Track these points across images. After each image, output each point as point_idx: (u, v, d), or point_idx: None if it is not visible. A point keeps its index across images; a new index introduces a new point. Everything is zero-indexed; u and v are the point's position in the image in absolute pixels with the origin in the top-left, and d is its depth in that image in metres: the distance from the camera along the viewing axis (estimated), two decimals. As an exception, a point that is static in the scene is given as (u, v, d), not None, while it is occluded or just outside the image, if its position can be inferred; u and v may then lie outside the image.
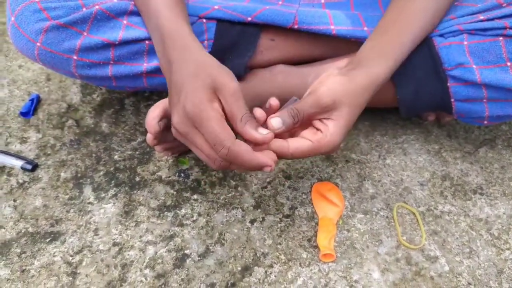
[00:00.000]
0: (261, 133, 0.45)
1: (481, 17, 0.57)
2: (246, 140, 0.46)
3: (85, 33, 0.56)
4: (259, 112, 0.48)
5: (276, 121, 0.47)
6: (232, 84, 0.46)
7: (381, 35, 0.56)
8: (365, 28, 0.62)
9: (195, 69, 0.46)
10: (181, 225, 0.58)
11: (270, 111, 0.49)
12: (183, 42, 0.50)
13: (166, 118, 0.56)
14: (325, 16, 0.63)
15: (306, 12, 0.63)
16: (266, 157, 0.45)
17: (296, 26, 0.62)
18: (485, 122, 0.61)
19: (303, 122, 0.49)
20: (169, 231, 0.57)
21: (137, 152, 0.67)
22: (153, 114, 0.55)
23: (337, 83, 0.49)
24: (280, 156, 0.47)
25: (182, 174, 0.64)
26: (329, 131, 0.48)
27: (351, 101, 0.49)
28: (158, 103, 0.57)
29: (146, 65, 0.59)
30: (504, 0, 0.56)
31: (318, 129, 0.49)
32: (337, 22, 0.63)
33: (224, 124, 0.43)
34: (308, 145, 0.48)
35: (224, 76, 0.46)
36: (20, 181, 0.62)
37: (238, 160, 0.43)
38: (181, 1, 0.56)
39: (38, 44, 0.56)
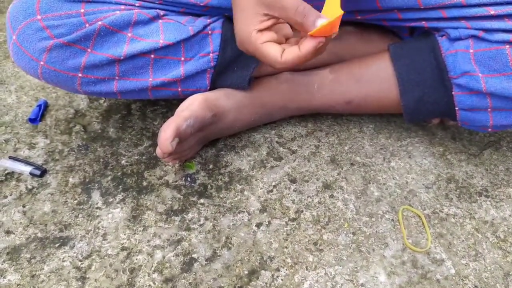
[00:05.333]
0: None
1: (492, 12, 0.55)
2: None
3: (89, 50, 0.55)
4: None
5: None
6: None
7: None
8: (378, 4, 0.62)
9: (237, 6, 0.50)
10: (188, 229, 0.59)
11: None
12: None
13: (178, 137, 0.56)
14: None
15: None
16: (310, 42, 0.47)
17: None
18: (489, 129, 0.61)
19: None
20: (176, 235, 0.58)
21: (144, 157, 0.68)
22: (166, 135, 0.55)
23: None
24: None
25: (189, 179, 0.65)
26: None
27: None
28: (169, 121, 0.57)
29: (151, 80, 0.60)
30: None
31: None
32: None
33: (266, 50, 0.48)
34: None
35: None
36: (29, 186, 0.63)
37: (298, 64, 0.49)
38: None
39: (42, 63, 0.55)
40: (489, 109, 0.57)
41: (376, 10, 0.62)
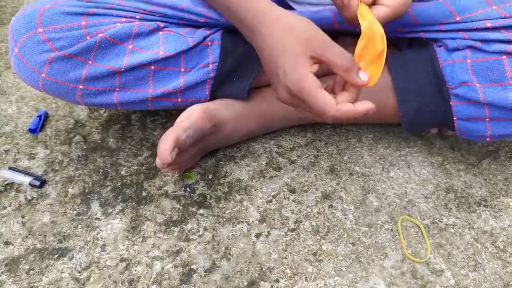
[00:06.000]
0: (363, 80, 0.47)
1: (488, 24, 0.56)
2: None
3: (90, 62, 0.56)
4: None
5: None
6: (319, 38, 0.47)
7: None
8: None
9: (283, 45, 0.47)
10: (188, 240, 0.58)
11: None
12: (256, 10, 0.51)
13: (177, 147, 0.57)
14: (328, 16, 0.63)
15: (308, 13, 0.63)
16: (365, 105, 0.47)
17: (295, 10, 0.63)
18: (487, 139, 0.61)
19: None
20: (175, 246, 0.58)
21: (143, 167, 0.68)
22: (165, 146, 0.55)
23: None
24: None
25: (188, 189, 0.65)
26: None
27: None
28: (169, 132, 0.57)
29: (151, 91, 0.60)
30: (508, 13, 0.56)
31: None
32: (341, 19, 0.63)
33: (323, 95, 0.46)
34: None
35: (310, 35, 0.47)
36: (29, 197, 0.63)
37: (346, 120, 0.47)
38: None
39: (43, 75, 0.56)
40: (487, 119, 0.58)
41: None
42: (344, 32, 0.64)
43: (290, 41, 0.47)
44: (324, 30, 0.66)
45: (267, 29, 0.49)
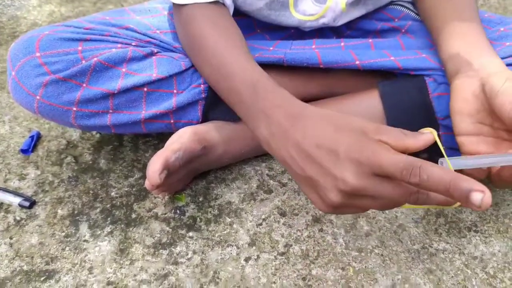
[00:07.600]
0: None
1: None
2: None
3: (84, 85, 0.57)
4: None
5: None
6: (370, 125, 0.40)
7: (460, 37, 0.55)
8: (357, 62, 0.64)
9: (333, 126, 0.41)
10: (176, 263, 0.58)
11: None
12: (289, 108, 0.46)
13: (167, 169, 0.57)
14: (313, 56, 0.65)
15: (293, 54, 0.65)
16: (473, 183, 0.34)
17: (285, 65, 0.65)
18: None
19: None
20: (163, 269, 0.57)
21: (134, 189, 0.68)
22: (154, 168, 0.56)
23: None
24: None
25: (178, 211, 0.65)
26: None
27: None
28: (158, 154, 0.58)
29: (144, 112, 0.61)
30: None
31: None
32: (326, 60, 0.64)
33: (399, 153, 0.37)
34: None
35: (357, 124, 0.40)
36: (17, 218, 0.63)
37: (436, 182, 0.34)
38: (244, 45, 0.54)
39: (38, 97, 0.57)
40: None
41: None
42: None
43: (342, 122, 0.41)
44: (309, 68, 0.68)
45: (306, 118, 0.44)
